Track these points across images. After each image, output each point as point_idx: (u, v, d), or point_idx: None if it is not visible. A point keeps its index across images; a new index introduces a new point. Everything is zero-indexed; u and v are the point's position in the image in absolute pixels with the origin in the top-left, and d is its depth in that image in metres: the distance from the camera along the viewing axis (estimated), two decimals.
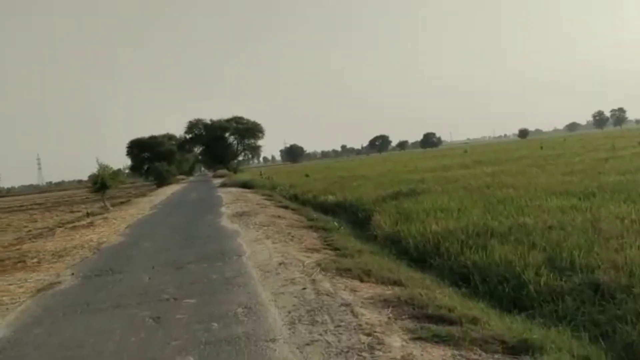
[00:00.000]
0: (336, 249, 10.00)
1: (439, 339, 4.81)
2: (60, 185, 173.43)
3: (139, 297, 7.19)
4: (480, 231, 9.46)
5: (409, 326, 5.18)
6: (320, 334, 5.08)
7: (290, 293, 6.73)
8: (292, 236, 11.90)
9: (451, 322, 5.20)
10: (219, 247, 10.94)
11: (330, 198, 20.76)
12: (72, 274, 9.39)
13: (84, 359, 4.97)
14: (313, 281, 7.25)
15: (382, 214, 13.49)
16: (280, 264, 8.64)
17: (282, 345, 4.88)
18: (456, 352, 4.54)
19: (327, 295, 6.48)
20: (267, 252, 9.87)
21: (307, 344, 4.85)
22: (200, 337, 5.28)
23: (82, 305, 7.01)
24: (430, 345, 4.69)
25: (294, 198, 25.54)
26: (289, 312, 5.89)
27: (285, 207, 20.50)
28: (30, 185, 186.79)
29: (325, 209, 18.91)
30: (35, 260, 11.35)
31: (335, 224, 13.90)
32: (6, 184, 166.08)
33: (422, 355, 4.44)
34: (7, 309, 7.25)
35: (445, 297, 6.21)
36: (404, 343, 4.74)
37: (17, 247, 14.43)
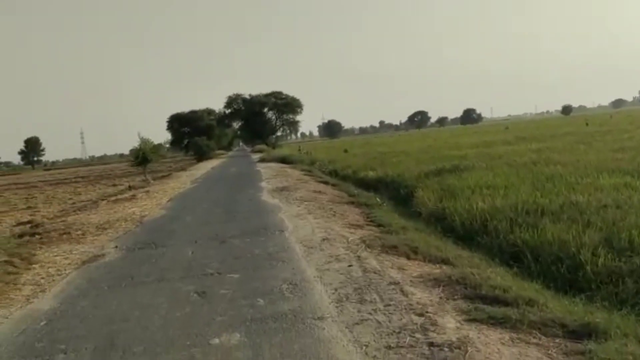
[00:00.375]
0: (380, 225, 9.79)
1: (495, 321, 4.58)
2: (102, 159, 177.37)
3: (182, 271, 7.14)
4: (530, 209, 9.11)
5: (462, 307, 4.96)
6: (370, 313, 4.91)
7: (335, 270, 6.57)
8: (334, 212, 11.73)
9: (506, 304, 4.95)
10: (261, 222, 10.85)
11: (371, 174, 20.52)
12: (116, 246, 9.43)
13: (130, 333, 4.91)
14: (359, 258, 7.06)
15: (425, 191, 13.20)
16: (323, 239, 8.48)
17: (331, 324, 4.73)
18: (514, 335, 4.31)
19: (375, 273, 6.29)
20: (310, 228, 9.73)
21: (357, 323, 4.68)
22: (246, 313, 5.17)
23: (126, 278, 7.00)
24: (487, 328, 4.46)
25: (334, 174, 25.34)
26: (336, 290, 5.73)
27: (326, 183, 20.33)
28: (74, 159, 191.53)
29: (366, 184, 18.67)
30: (79, 232, 11.48)
31: (378, 200, 13.65)
32: (51, 158, 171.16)
33: (478, 337, 4.22)
34: (53, 280, 7.30)
35: (497, 277, 5.95)
36: (459, 325, 4.52)
37: (62, 219, 14.67)
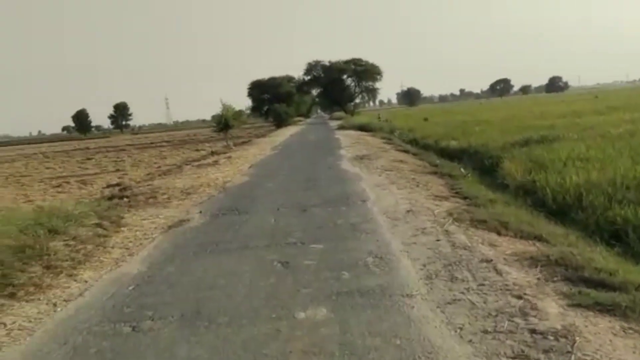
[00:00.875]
0: (466, 198, 9.38)
1: (602, 308, 4.20)
2: (185, 124, 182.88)
3: (266, 239, 7.11)
4: (631, 184, 8.43)
5: (564, 290, 4.59)
6: (462, 293, 4.65)
7: (422, 244, 6.31)
8: (417, 182, 11.40)
9: (614, 289, 4.52)
10: (342, 191, 10.70)
11: (453, 143, 19.89)
12: (200, 212, 9.56)
13: (215, 302, 4.89)
14: (446, 232, 6.77)
15: (512, 162, 12.56)
16: (408, 211, 8.22)
17: (421, 302, 4.51)
18: (625, 325, 3.92)
19: (464, 249, 5.98)
20: (393, 198, 9.48)
21: (449, 303, 4.44)
22: (331, 286, 5.03)
23: (211, 244, 7.04)
24: (593, 315, 4.10)
25: (414, 142, 24.81)
26: (424, 266, 5.49)
27: (406, 152, 19.93)
28: (159, 124, 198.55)
29: (448, 154, 18.08)
30: (165, 196, 11.75)
31: (462, 170, 13.17)
32: (138, 122, 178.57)
33: (586, 326, 3.87)
34: (141, 244, 7.47)
35: (600, 257, 5.50)
36: (562, 310, 4.18)
37: (149, 183, 15.12)
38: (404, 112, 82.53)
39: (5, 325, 4.75)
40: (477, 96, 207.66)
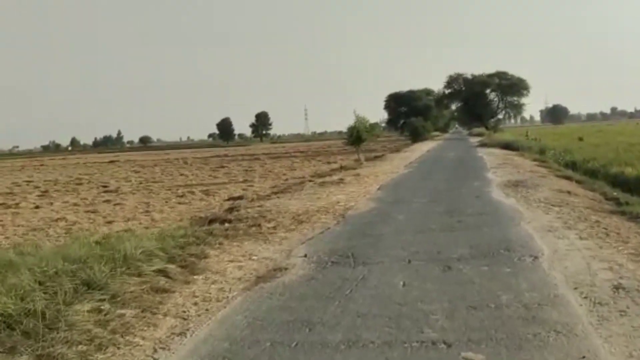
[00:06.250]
0: None
1: None
2: (322, 135, 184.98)
3: (387, 326, 4.42)
4: None
5: None
6: None
7: None
8: (604, 228, 8.20)
9: None
10: (499, 235, 7.85)
11: (628, 170, 16.14)
12: (305, 255, 7.15)
13: None
14: None
15: None
16: (615, 288, 5.19)
17: None
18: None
19: None
20: (579, 256, 6.47)
21: None
22: None
23: (303, 328, 4.50)
24: None
25: (573, 166, 21.11)
26: None
27: (568, 178, 16.40)
28: (298, 134, 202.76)
29: (623, 184, 14.48)
30: (271, 224, 9.57)
31: None
32: (278, 132, 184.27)
33: None
34: (206, 311, 5.06)
35: None
36: None
37: (260, 203, 13.09)
38: (550, 130, 75.98)
39: None
40: (631, 115, 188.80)
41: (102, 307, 4.73)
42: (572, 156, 24.27)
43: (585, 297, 4.94)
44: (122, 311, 4.81)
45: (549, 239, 7.46)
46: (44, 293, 4.56)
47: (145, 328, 4.59)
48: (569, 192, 12.72)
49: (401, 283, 5.66)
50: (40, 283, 4.73)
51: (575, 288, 5.23)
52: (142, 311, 4.89)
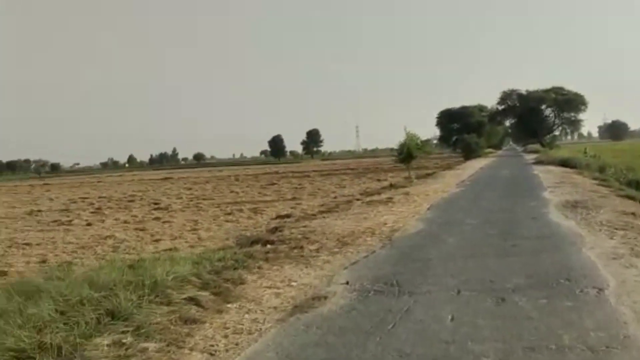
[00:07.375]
0: None
1: None
2: (373, 152, 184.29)
3: None
4: None
5: None
6: None
7: None
8: None
9: None
10: (558, 262, 7.27)
11: None
12: (347, 282, 6.79)
13: None
14: None
15: None
16: None
17: None
18: None
19: None
20: None
21: None
22: None
23: None
24: None
25: (635, 184, 19.99)
26: None
27: (632, 198, 15.39)
28: (348, 151, 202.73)
29: None
30: (315, 246, 9.25)
31: None
32: (329, 149, 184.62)
33: None
34: (236, 345, 4.78)
35: None
36: None
37: (305, 223, 12.79)
38: (610, 147, 72.96)
39: None
40: None
41: (124, 341, 4.48)
42: (635, 174, 23.05)
43: None
44: (146, 344, 4.53)
45: (614, 268, 6.85)
46: (64, 324, 4.36)
47: None
48: (634, 214, 11.89)
49: (449, 317, 5.20)
50: (62, 313, 4.55)
51: None
52: (167, 345, 4.59)
